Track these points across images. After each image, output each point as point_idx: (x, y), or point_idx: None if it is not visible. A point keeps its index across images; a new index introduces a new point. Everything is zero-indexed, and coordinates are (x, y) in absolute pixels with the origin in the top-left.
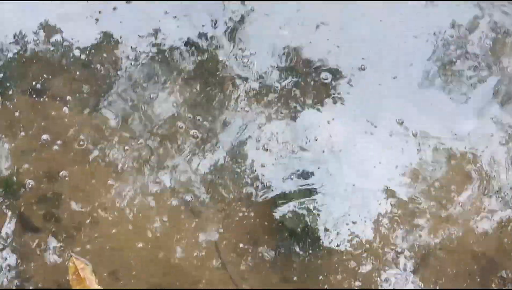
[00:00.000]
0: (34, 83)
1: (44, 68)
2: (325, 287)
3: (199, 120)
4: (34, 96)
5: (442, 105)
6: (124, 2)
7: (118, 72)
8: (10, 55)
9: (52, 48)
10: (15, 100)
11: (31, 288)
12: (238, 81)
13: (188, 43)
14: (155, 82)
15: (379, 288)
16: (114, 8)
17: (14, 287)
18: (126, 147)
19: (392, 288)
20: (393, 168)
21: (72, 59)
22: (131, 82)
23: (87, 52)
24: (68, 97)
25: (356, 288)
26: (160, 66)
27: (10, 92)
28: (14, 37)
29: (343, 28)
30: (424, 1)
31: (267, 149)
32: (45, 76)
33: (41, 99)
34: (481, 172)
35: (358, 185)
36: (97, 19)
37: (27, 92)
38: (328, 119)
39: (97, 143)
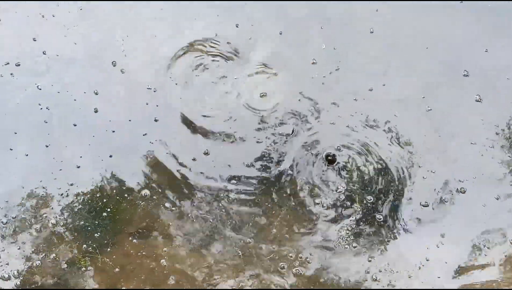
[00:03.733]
0: (130, 238)
1: (139, 220)
2: None
3: (300, 257)
4: (131, 251)
5: None
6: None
7: (213, 217)
8: (105, 213)
9: (142, 202)
10: (114, 256)
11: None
12: (338, 220)
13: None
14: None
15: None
16: (206, 153)
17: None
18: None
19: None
20: None
21: (164, 210)
22: (232, 228)
23: (178, 199)
24: (165, 249)
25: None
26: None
27: (108, 249)
28: (111, 195)
29: (432, 149)
30: None
31: (376, 279)
32: (139, 230)
33: (138, 253)
34: None
35: None
36: (187, 167)
37: (124, 246)
38: (436, 243)
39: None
